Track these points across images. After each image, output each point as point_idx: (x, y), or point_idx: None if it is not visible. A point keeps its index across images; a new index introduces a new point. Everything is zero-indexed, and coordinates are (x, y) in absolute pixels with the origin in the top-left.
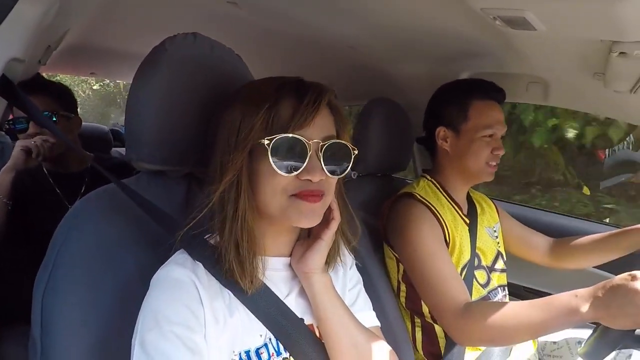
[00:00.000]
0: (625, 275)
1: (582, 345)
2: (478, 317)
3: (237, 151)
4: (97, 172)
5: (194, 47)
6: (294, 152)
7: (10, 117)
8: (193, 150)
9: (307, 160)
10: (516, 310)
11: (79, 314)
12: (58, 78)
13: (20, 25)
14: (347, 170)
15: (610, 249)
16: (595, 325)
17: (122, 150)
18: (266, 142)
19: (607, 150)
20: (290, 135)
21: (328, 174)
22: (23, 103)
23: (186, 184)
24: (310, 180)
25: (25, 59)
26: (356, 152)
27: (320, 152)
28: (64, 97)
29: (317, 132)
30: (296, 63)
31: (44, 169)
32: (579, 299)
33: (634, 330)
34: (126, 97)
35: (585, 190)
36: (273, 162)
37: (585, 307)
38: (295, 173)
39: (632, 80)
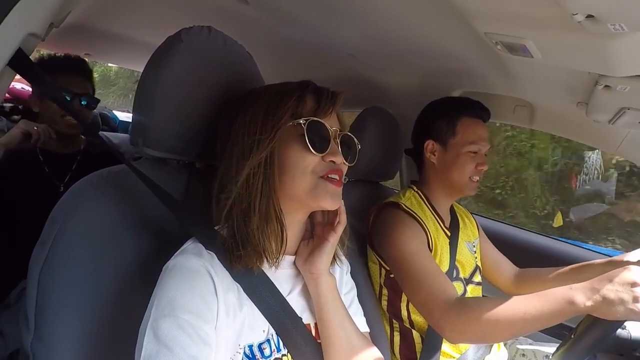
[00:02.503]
0: (620, 269)
1: (553, 354)
2: (473, 309)
3: (265, 133)
4: (90, 155)
5: (208, 40)
6: (321, 135)
7: None
8: (197, 141)
9: (330, 143)
10: (511, 303)
11: (75, 294)
12: None
13: (40, 1)
14: (355, 161)
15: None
16: (560, 342)
17: (110, 135)
18: (302, 121)
19: (577, 176)
20: (319, 119)
21: (343, 160)
22: (38, 78)
23: (186, 173)
24: (334, 162)
25: (41, 35)
26: (359, 147)
27: (338, 139)
28: (92, 79)
29: (333, 123)
30: (297, 66)
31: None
32: (574, 290)
33: (616, 329)
34: None
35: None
36: (308, 139)
37: (581, 297)
38: (324, 153)
39: (611, 112)
